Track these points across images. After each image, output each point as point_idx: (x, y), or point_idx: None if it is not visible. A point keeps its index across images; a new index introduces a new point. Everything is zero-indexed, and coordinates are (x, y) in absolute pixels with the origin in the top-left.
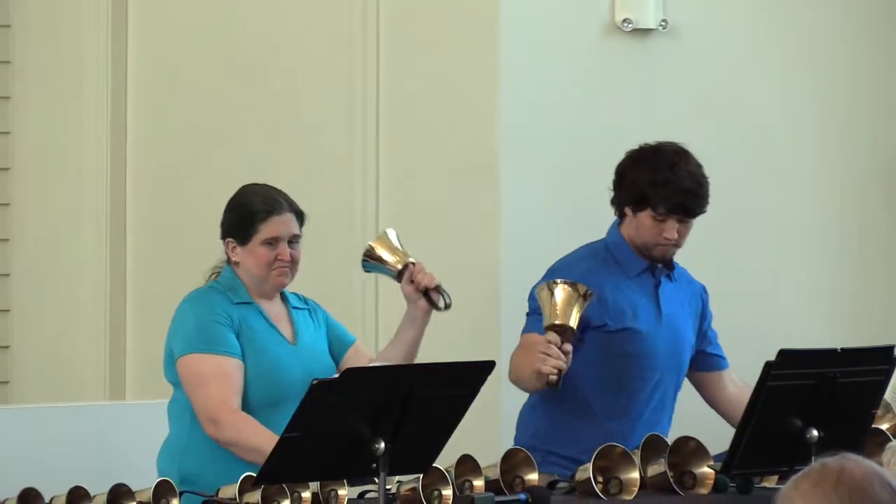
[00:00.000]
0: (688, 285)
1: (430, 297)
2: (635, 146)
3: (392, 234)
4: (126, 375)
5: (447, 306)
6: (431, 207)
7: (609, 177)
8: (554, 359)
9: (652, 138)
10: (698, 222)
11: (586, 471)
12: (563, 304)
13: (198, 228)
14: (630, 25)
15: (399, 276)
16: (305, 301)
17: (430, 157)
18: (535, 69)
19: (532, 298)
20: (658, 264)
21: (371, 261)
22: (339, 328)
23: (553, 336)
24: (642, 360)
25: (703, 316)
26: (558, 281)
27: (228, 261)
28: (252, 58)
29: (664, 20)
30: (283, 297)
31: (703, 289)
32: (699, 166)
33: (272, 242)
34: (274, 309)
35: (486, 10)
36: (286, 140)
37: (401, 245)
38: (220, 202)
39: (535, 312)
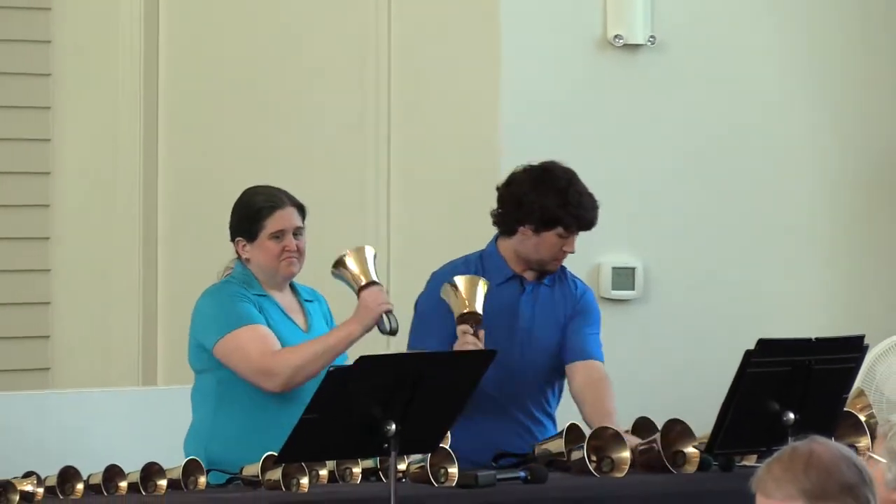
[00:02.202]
0: (572, 287)
1: (380, 319)
2: (525, 167)
3: (369, 252)
4: (158, 362)
5: (393, 331)
6: (438, 206)
7: (602, 179)
8: (472, 345)
9: (640, 144)
10: (691, 226)
11: (581, 451)
12: (468, 294)
13: (222, 228)
14: (621, 41)
15: (359, 290)
16: (315, 295)
17: (436, 162)
18: (534, 82)
19: (423, 304)
20: (541, 274)
21: (339, 269)
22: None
23: (466, 326)
24: (498, 374)
25: (578, 313)
26: (457, 277)
27: (239, 258)
28: (273, 66)
29: (652, 36)
30: (294, 289)
31: (585, 292)
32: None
33: (279, 235)
34: (286, 300)
35: (489, 27)
36: (304, 147)
37: (374, 265)
38: None
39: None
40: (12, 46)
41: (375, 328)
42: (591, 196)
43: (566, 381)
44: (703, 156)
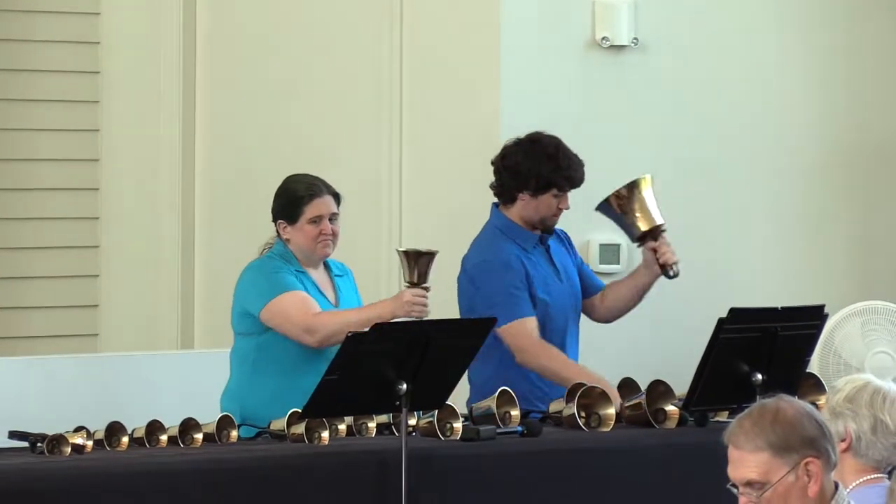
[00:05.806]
0: (561, 236)
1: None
2: (516, 140)
3: (434, 259)
4: (195, 329)
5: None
6: (444, 196)
7: (588, 166)
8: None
9: (625, 136)
10: (670, 208)
11: (571, 408)
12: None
13: (250, 211)
14: (607, 42)
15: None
16: (344, 269)
17: (442, 153)
18: (530, 79)
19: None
20: (545, 233)
21: (404, 257)
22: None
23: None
24: (555, 316)
25: (574, 254)
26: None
27: (280, 237)
28: (298, 68)
29: (636, 38)
30: (326, 265)
31: (564, 233)
32: None
33: (316, 220)
34: (320, 277)
35: (489, 31)
36: (326, 144)
37: (431, 269)
38: (267, 187)
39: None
40: (67, 47)
41: None
42: (577, 157)
43: (591, 309)
44: (681, 147)
